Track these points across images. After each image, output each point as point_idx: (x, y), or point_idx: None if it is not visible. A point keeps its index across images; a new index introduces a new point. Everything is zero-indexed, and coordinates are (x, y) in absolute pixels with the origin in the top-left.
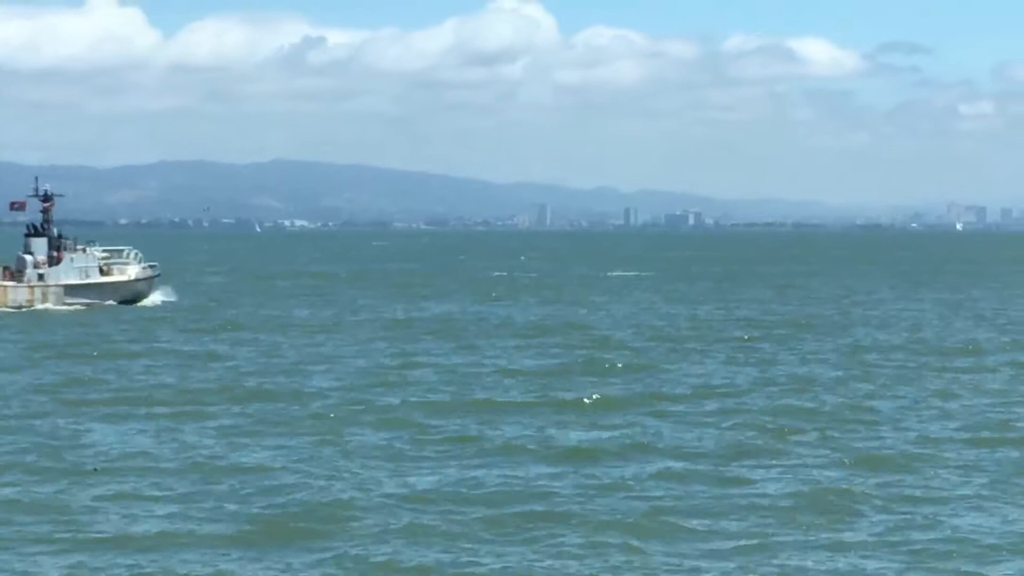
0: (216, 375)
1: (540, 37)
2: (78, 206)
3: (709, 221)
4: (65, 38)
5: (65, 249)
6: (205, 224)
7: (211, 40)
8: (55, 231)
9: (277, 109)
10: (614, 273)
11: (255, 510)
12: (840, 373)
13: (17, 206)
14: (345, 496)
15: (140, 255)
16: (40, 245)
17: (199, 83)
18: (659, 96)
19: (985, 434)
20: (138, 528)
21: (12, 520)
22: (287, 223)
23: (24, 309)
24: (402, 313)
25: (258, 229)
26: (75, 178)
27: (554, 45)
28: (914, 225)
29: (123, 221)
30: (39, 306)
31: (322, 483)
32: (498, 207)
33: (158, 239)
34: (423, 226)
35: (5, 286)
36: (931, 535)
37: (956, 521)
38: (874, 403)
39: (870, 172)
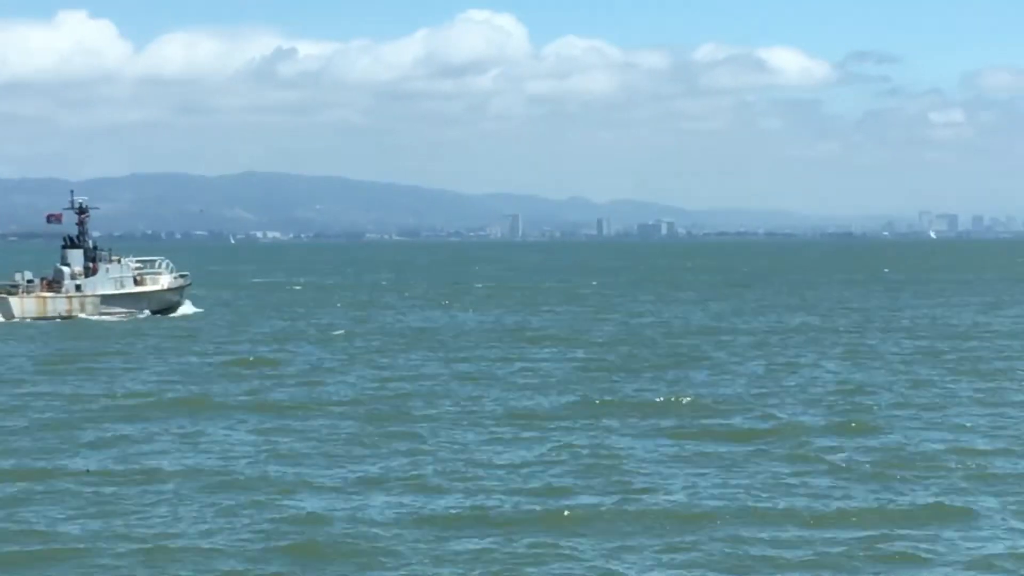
0: (246, 384)
1: (511, 48)
2: None
3: (681, 231)
4: (35, 51)
5: (100, 260)
6: (177, 236)
7: (182, 52)
8: (91, 243)
9: (248, 121)
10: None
11: (278, 524)
12: (861, 376)
13: (54, 219)
14: (370, 510)
15: (172, 265)
16: (77, 256)
17: (171, 95)
18: (631, 106)
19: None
20: (160, 538)
21: (35, 529)
22: (259, 235)
23: (62, 319)
24: (417, 322)
25: (232, 241)
26: (47, 191)
27: (525, 56)
28: (886, 233)
29: (96, 233)
30: (77, 316)
31: (345, 495)
32: (470, 218)
33: (136, 252)
34: (395, 237)
35: (44, 297)
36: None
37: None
38: (905, 410)
39: (840, 181)
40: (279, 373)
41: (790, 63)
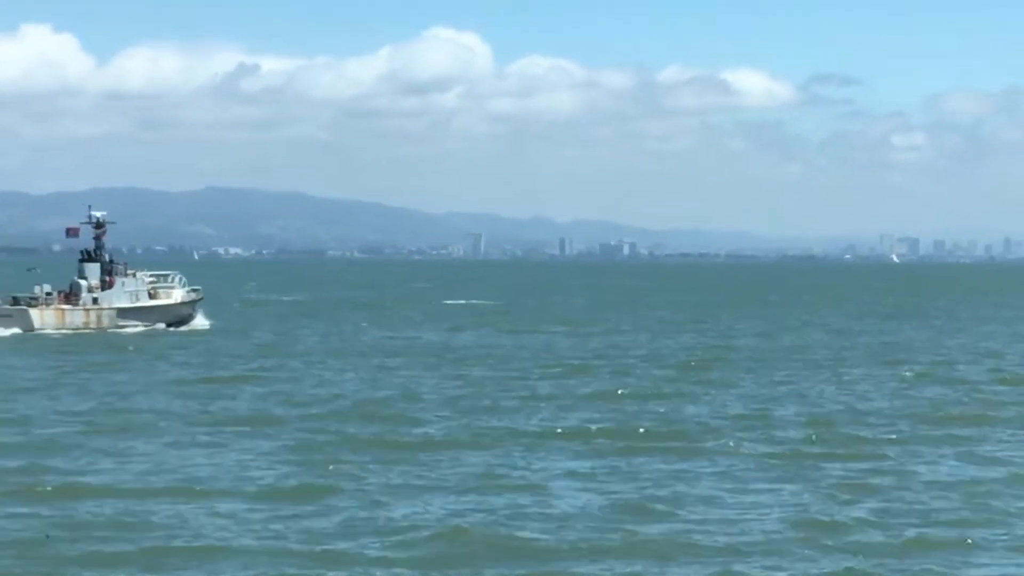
0: (252, 399)
1: (475, 66)
2: (12, 232)
3: (643, 251)
4: None
5: (116, 274)
6: (139, 251)
7: (145, 66)
8: (107, 257)
9: (211, 136)
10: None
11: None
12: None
13: (72, 232)
14: (377, 524)
15: (184, 280)
16: (93, 270)
17: (133, 110)
18: (594, 126)
19: None
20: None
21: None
22: (221, 251)
23: (79, 331)
24: (410, 339)
25: (196, 256)
26: (8, 204)
27: (489, 74)
28: (847, 256)
29: (56, 248)
30: (94, 328)
31: (354, 510)
32: (432, 236)
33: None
34: (357, 254)
35: (63, 309)
36: None
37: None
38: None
39: (803, 203)
40: (283, 389)
41: (754, 85)
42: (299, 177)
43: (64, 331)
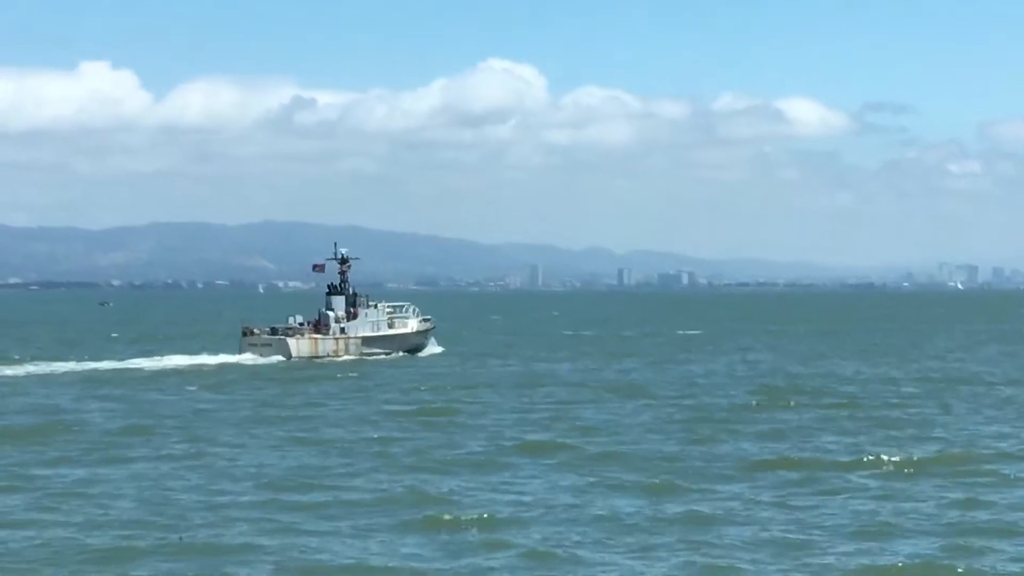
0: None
1: (530, 97)
2: (70, 267)
3: (702, 281)
4: (58, 100)
5: (359, 305)
6: (199, 285)
7: (201, 101)
8: (351, 290)
9: (267, 170)
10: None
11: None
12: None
13: (318, 268)
14: None
15: (418, 310)
16: (339, 302)
17: (189, 144)
18: (649, 156)
19: None
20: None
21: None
22: (280, 284)
23: (330, 359)
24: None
25: (260, 290)
26: (65, 239)
27: (544, 105)
28: (906, 284)
29: (116, 282)
30: (343, 356)
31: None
32: (488, 268)
33: (159, 301)
34: (413, 287)
35: (316, 339)
36: None
37: None
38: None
39: (858, 231)
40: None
41: (808, 114)
42: (355, 210)
43: (317, 358)
